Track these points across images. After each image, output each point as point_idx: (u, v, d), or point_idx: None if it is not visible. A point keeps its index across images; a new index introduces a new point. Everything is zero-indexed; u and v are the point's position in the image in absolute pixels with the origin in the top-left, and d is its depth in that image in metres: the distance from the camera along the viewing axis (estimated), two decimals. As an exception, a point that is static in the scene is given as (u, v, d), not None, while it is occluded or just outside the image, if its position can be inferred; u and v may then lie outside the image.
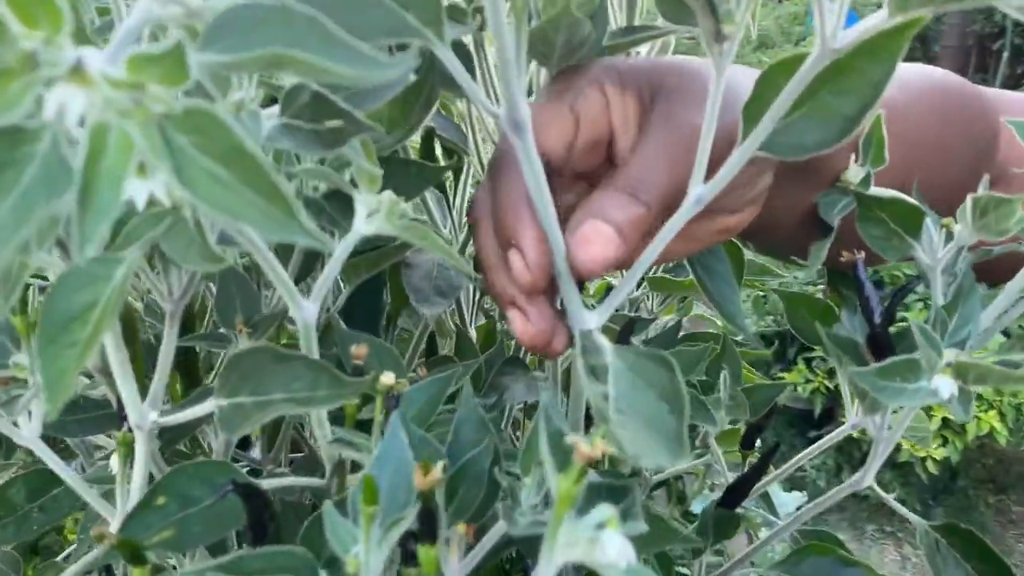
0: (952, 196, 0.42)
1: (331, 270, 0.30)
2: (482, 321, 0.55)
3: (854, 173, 0.44)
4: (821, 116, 0.31)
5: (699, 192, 0.32)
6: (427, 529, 0.24)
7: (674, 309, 0.74)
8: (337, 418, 0.35)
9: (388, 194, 0.31)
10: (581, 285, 0.35)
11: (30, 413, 0.30)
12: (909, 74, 0.48)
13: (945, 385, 0.34)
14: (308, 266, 0.40)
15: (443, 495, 0.27)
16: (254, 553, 0.23)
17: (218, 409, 0.28)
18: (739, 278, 0.54)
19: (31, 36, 0.16)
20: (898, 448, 3.02)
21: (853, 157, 0.44)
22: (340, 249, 0.31)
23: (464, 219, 0.50)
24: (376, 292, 0.51)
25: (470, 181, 0.50)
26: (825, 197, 0.44)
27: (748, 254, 0.59)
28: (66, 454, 0.50)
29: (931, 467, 2.99)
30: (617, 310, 0.75)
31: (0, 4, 0.16)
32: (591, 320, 0.33)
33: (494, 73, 0.42)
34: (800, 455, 0.52)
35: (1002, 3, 0.26)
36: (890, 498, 0.47)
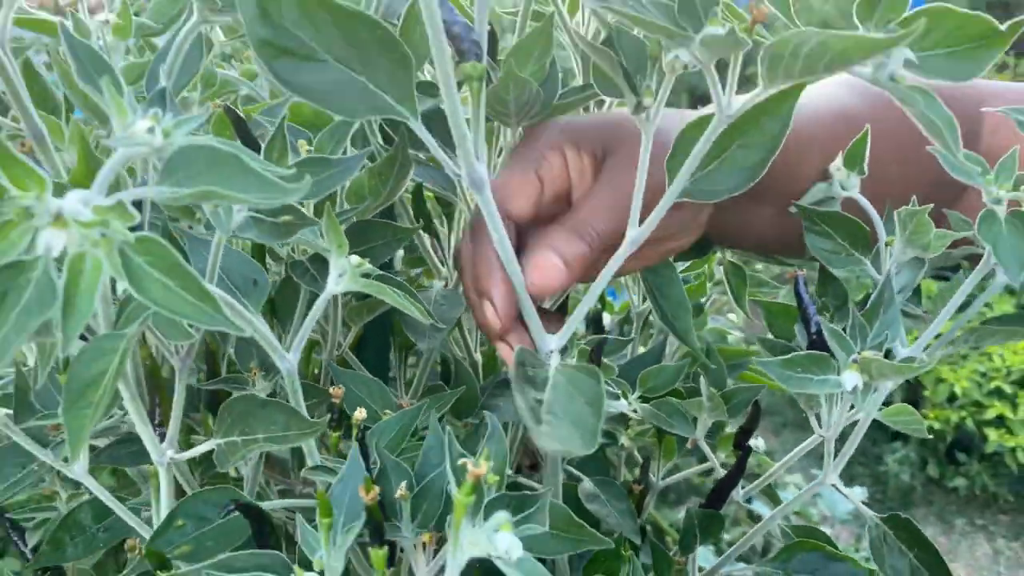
0: (936, 194, 0.45)
1: (307, 326, 0.36)
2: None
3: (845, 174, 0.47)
4: (731, 166, 0.36)
5: (634, 234, 0.37)
6: (374, 535, 0.30)
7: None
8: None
9: (355, 258, 0.37)
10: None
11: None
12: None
13: (851, 378, 0.38)
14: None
15: (409, 509, 0.33)
16: (239, 555, 0.29)
17: (216, 447, 0.34)
18: (742, 294, 0.59)
19: (25, 196, 0.23)
20: (985, 438, 2.91)
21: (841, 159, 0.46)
22: (316, 307, 0.37)
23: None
24: (384, 328, 0.57)
25: (462, 223, 0.55)
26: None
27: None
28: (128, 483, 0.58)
29: (1021, 457, 2.88)
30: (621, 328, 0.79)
31: (0, 176, 0.22)
32: (552, 343, 0.39)
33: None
34: (776, 465, 0.55)
35: (857, 71, 0.30)
36: (853, 493, 0.51)
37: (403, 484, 0.33)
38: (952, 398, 2.96)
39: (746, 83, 0.33)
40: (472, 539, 0.26)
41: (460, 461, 0.27)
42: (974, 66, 0.26)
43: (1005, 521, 2.97)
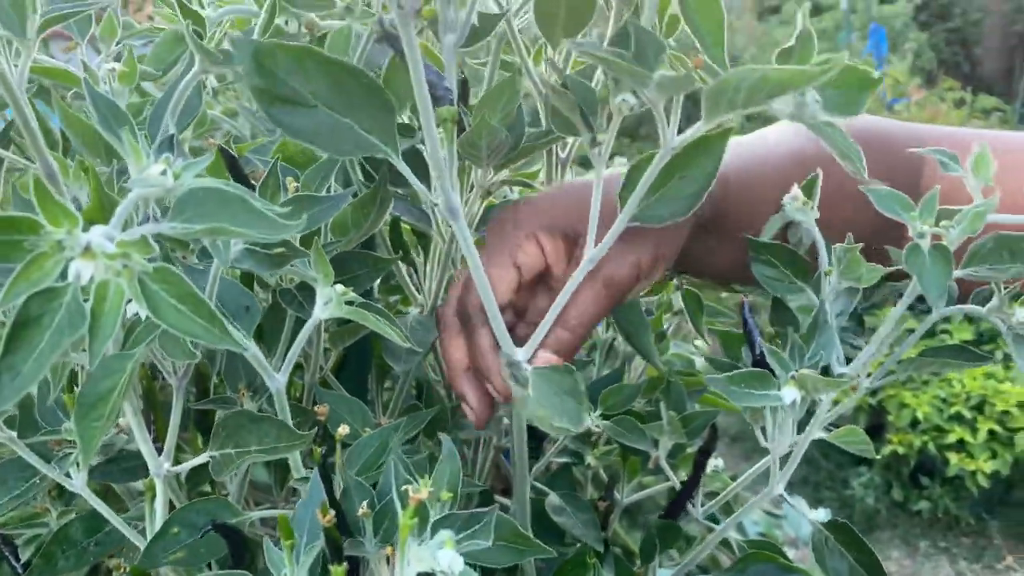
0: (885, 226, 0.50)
1: (295, 349, 0.40)
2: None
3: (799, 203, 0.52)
4: (676, 194, 0.40)
5: (591, 255, 0.41)
6: (333, 553, 0.33)
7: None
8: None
9: (339, 286, 0.40)
10: None
11: (78, 466, 0.40)
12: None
13: (789, 393, 0.42)
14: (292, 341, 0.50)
15: (371, 526, 0.36)
16: (212, 575, 0.32)
17: (211, 459, 0.37)
18: (700, 320, 0.64)
19: (57, 231, 0.26)
20: (946, 462, 2.98)
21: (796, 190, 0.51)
22: (303, 332, 0.40)
23: (431, 283, 0.59)
24: (364, 352, 0.60)
25: (437, 253, 0.59)
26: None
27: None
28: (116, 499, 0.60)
29: (982, 480, 2.95)
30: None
31: (38, 214, 0.26)
32: (519, 354, 0.42)
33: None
34: (734, 484, 0.59)
35: (774, 109, 0.34)
36: (800, 504, 0.54)
37: (364, 503, 0.36)
38: (915, 423, 3.03)
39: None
40: (418, 555, 0.30)
41: (403, 487, 0.30)
42: (857, 104, 0.32)
43: (967, 544, 3.03)
